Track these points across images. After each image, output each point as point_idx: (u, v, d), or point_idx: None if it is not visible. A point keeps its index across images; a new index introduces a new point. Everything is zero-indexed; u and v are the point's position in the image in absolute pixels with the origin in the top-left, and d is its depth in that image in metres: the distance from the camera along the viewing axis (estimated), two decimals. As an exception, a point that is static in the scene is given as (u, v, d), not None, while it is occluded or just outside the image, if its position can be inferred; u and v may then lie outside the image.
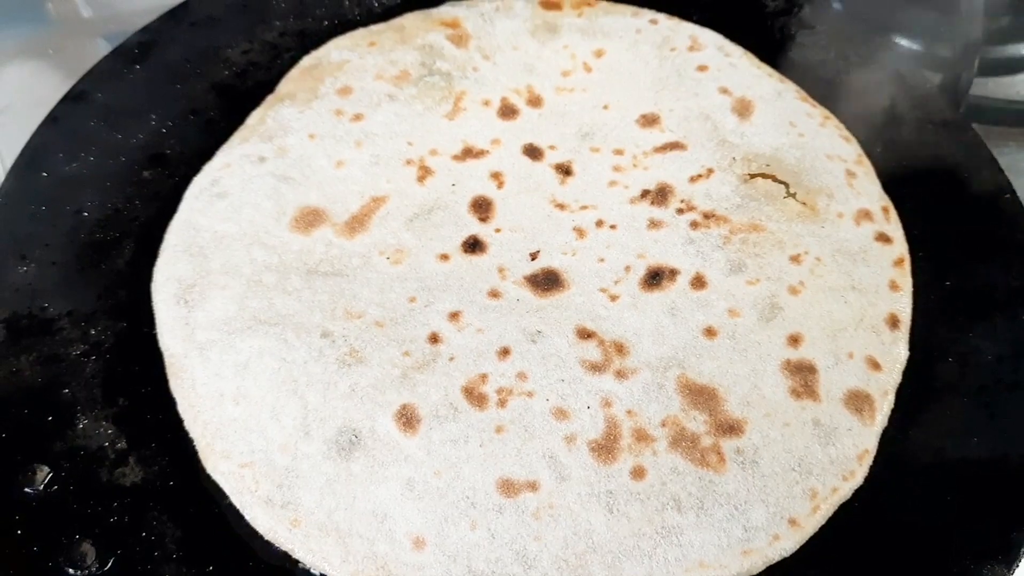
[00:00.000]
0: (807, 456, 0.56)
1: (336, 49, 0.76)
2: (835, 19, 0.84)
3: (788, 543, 0.53)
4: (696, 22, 0.80)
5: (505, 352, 0.59)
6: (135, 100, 0.72)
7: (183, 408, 0.57)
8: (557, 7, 0.80)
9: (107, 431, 0.56)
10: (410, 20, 0.79)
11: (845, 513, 0.55)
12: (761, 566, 0.52)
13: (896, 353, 0.61)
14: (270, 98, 0.72)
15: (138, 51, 0.75)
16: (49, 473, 0.54)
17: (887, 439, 0.58)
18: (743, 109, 0.73)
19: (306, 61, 0.75)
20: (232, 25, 0.78)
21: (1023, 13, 0.95)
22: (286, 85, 0.73)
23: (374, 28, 0.78)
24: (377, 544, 0.52)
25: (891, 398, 0.59)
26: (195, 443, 0.56)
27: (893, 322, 0.62)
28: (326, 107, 0.71)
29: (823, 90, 0.77)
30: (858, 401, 0.58)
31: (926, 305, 0.64)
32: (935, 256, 0.67)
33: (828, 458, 0.56)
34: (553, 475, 0.54)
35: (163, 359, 0.59)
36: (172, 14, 0.78)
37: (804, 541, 0.53)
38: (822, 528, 0.55)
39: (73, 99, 0.71)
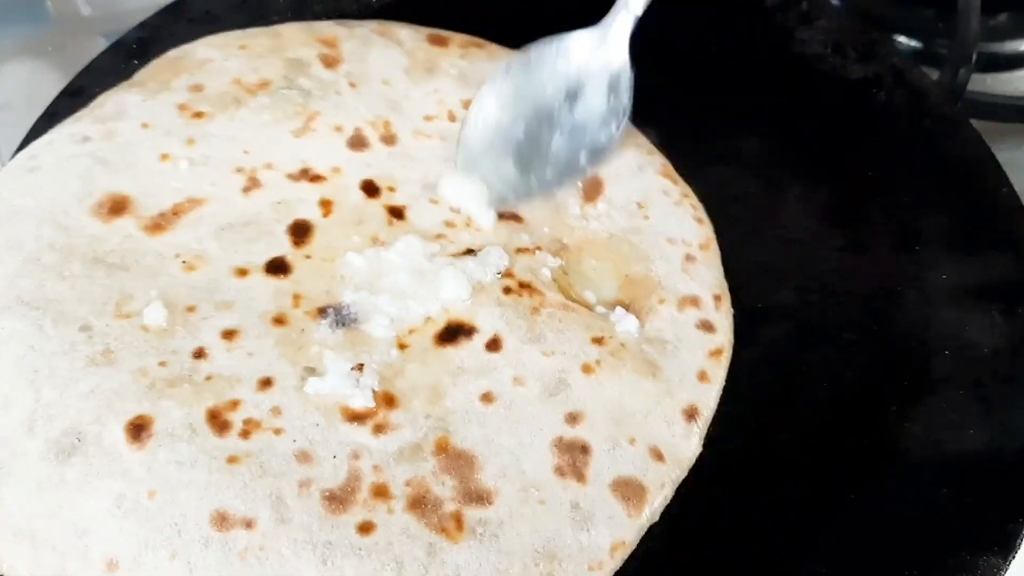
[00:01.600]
0: (556, 539, 0.53)
1: (205, 46, 0.73)
2: (834, 15, 0.84)
3: None
4: (695, 19, 0.80)
5: (267, 383, 0.56)
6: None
7: None
8: (443, 44, 0.77)
9: None
10: (289, 30, 0.76)
11: (840, 505, 0.55)
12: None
13: (685, 447, 0.58)
14: (123, 84, 0.70)
15: (136, 47, 0.76)
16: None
17: (883, 432, 0.58)
18: (593, 190, 0.70)
19: (172, 53, 0.73)
20: (230, 21, 0.78)
21: (1021, 9, 0.95)
22: (142, 73, 0.71)
23: (251, 31, 0.75)
24: (69, 560, 0.49)
25: (668, 492, 0.56)
26: None
27: (691, 414, 0.59)
28: (171, 100, 0.69)
29: (821, 86, 0.77)
30: (628, 490, 0.55)
31: (922, 299, 0.64)
32: (932, 250, 0.67)
33: (579, 544, 0.53)
34: (274, 516, 0.51)
35: None
36: (170, 10, 0.79)
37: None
38: (817, 522, 0.55)
39: (71, 94, 0.72)
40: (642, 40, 0.69)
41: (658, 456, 0.57)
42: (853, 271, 0.67)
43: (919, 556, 0.53)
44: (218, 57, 0.72)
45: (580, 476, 0.55)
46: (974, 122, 0.76)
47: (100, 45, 0.90)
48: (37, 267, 0.59)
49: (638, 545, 0.54)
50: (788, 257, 0.68)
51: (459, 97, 0.73)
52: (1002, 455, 0.57)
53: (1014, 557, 0.53)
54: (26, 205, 0.61)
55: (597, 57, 0.69)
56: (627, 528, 0.54)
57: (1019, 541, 0.53)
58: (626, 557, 0.54)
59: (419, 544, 0.51)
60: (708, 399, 0.60)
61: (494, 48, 0.78)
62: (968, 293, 0.65)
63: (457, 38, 0.78)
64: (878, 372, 0.61)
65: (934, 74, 0.83)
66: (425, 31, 0.79)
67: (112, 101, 0.69)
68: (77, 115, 0.68)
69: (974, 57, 0.84)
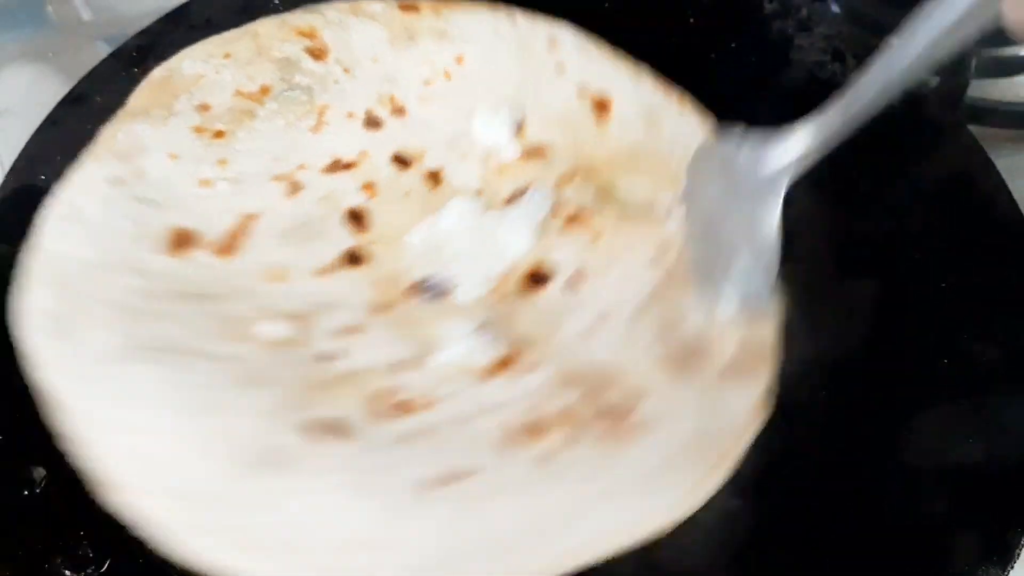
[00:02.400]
0: (704, 416, 0.57)
1: (189, 60, 0.73)
2: (833, 22, 0.84)
3: (714, 481, 0.55)
4: (693, 24, 0.81)
5: (402, 365, 0.58)
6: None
7: (77, 444, 0.54)
8: (415, 10, 0.79)
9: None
10: (264, 27, 0.76)
11: (838, 515, 0.55)
12: (689, 511, 0.54)
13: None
14: (121, 113, 0.69)
15: (136, 54, 0.76)
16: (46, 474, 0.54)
17: (880, 442, 0.58)
18: (601, 109, 0.73)
19: (156, 73, 0.72)
20: (231, 28, 0.78)
21: (1020, 15, 0.95)
22: (137, 99, 0.70)
23: (227, 36, 0.75)
24: (321, 555, 0.51)
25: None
26: (97, 478, 0.53)
27: None
28: (184, 124, 0.69)
29: (821, 93, 0.77)
30: (735, 368, 0.60)
31: (920, 307, 0.64)
32: (930, 258, 0.67)
33: (721, 419, 0.57)
34: (483, 462, 0.54)
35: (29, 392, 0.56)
36: (171, 17, 0.79)
37: (723, 481, 0.55)
38: (814, 530, 0.55)
39: (71, 102, 0.72)
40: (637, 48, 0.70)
41: None
42: (849, 278, 0.67)
43: (917, 566, 0.53)
44: (207, 71, 0.72)
45: (693, 368, 0.60)
46: (972, 128, 0.76)
47: (101, 50, 0.90)
48: (134, 313, 0.59)
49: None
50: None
51: (449, 55, 0.76)
52: (1002, 464, 0.57)
53: (1013, 567, 0.53)
54: (88, 257, 0.61)
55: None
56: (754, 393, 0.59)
57: (1018, 551, 0.53)
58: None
59: (599, 455, 0.55)
60: None
61: (466, 2, 0.80)
62: (966, 301, 0.65)
63: (424, 2, 0.80)
64: (875, 380, 0.61)
65: (932, 80, 0.83)
66: (393, 1, 0.80)
67: (123, 133, 0.68)
68: (95, 153, 0.66)
69: (973, 63, 0.84)
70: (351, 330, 0.60)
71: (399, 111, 0.73)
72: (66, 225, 0.63)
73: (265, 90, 0.72)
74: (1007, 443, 0.58)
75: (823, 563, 0.54)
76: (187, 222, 0.64)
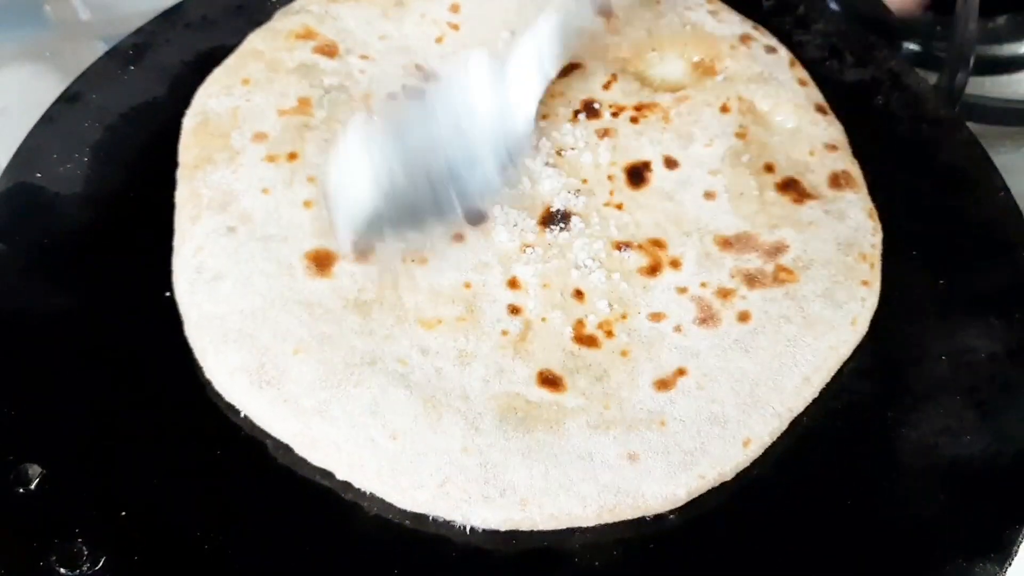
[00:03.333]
0: (839, 235, 0.66)
1: (212, 98, 0.72)
2: (831, 19, 0.84)
3: (871, 300, 0.64)
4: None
5: (579, 293, 0.63)
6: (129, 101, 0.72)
7: (341, 473, 0.56)
8: None
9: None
10: (260, 43, 0.75)
11: (836, 512, 0.55)
12: (864, 329, 0.62)
13: (834, 130, 0.73)
14: (183, 171, 0.68)
15: (132, 52, 0.76)
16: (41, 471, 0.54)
17: (878, 439, 0.58)
18: (603, 6, 0.77)
19: (189, 122, 0.71)
20: (228, 26, 0.78)
21: (1019, 11, 0.95)
22: (190, 152, 0.69)
23: (230, 65, 0.74)
24: (602, 473, 0.55)
25: (855, 163, 0.71)
26: (375, 496, 0.55)
27: (820, 109, 0.74)
28: (256, 158, 0.68)
29: (820, 89, 0.77)
30: (838, 179, 0.69)
31: (918, 304, 0.64)
32: (928, 255, 0.67)
33: (852, 227, 0.66)
34: (685, 357, 0.60)
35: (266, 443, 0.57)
36: (166, 16, 0.78)
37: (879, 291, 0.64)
38: (813, 530, 0.55)
39: (67, 100, 0.72)
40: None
41: (832, 148, 0.72)
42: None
43: (915, 563, 0.53)
44: (239, 102, 0.71)
45: (809, 195, 0.68)
46: (971, 125, 0.76)
47: (99, 49, 0.90)
48: (319, 341, 0.59)
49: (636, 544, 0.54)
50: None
51: (441, 7, 0.79)
52: (999, 461, 0.57)
53: (1011, 564, 0.53)
54: (246, 307, 0.61)
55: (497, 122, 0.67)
56: (863, 202, 0.69)
57: (1016, 548, 0.53)
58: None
59: (781, 299, 0.63)
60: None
61: None
62: (965, 298, 0.65)
63: None
64: (873, 378, 0.61)
65: (931, 77, 0.83)
66: None
67: (202, 185, 0.66)
68: (186, 214, 0.65)
69: (972, 60, 0.84)
70: (517, 280, 0.63)
71: (428, 76, 0.75)
72: (204, 287, 0.62)
73: (305, 102, 0.72)
74: (1003, 440, 0.58)
75: (819, 559, 0.54)
76: (314, 244, 0.64)
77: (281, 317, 0.60)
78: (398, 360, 0.59)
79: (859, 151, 0.73)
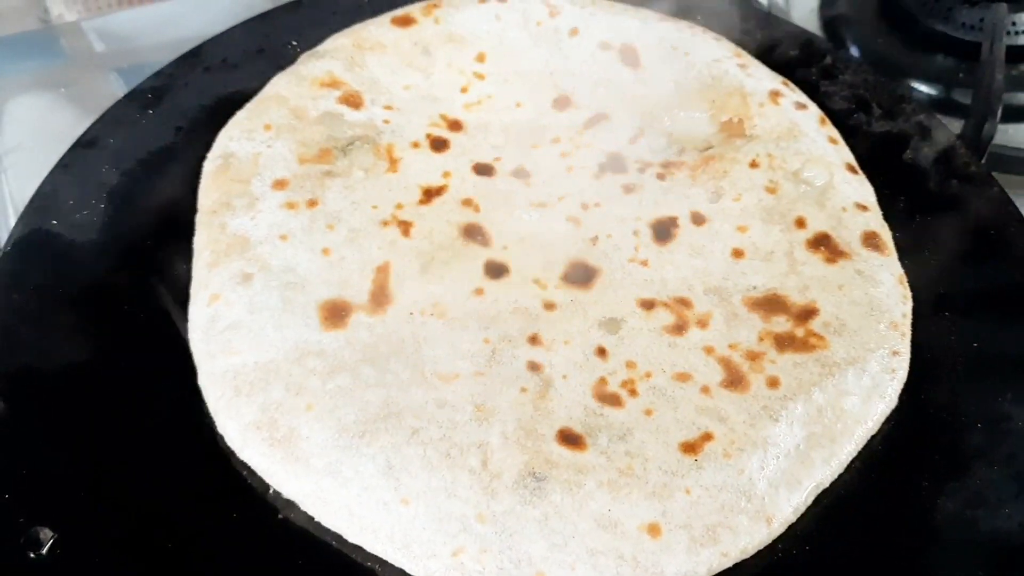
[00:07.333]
0: (871, 300, 0.65)
1: (234, 142, 0.71)
2: (857, 69, 0.83)
3: (901, 372, 0.62)
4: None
5: (601, 351, 0.61)
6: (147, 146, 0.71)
7: (352, 536, 0.54)
8: (411, 22, 0.81)
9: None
10: (284, 88, 0.75)
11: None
12: (895, 402, 0.61)
13: (865, 190, 0.72)
14: (202, 216, 0.67)
15: (151, 96, 0.75)
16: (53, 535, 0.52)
17: (915, 509, 0.57)
18: (630, 57, 0.78)
19: (209, 166, 0.70)
20: (248, 69, 0.78)
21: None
22: (210, 196, 0.68)
23: (252, 108, 0.73)
24: (622, 545, 0.53)
25: (885, 225, 0.70)
26: (389, 563, 0.53)
27: (851, 168, 0.73)
28: (275, 204, 0.67)
29: (847, 141, 0.76)
30: (871, 240, 0.68)
31: (954, 369, 0.63)
32: (962, 318, 0.66)
33: (884, 293, 0.65)
34: (713, 420, 0.58)
35: (276, 504, 0.56)
36: (186, 58, 0.78)
37: (909, 360, 0.62)
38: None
39: (85, 145, 0.71)
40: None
41: (862, 208, 0.71)
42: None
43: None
44: (261, 148, 0.71)
45: (842, 253, 0.68)
46: (997, 175, 0.75)
47: (113, 81, 0.90)
48: (333, 396, 0.58)
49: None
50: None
51: (469, 57, 0.80)
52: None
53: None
54: (268, 357, 0.60)
55: None
56: (893, 264, 0.68)
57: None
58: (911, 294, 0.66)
59: (811, 365, 0.61)
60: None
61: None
62: (1000, 362, 0.63)
63: (415, 9, 0.82)
64: (909, 446, 0.60)
65: (953, 123, 0.82)
66: (385, 19, 0.81)
67: (220, 233, 0.66)
68: (203, 260, 0.65)
69: (1000, 111, 0.83)
70: (538, 336, 0.62)
71: (456, 126, 0.75)
72: (219, 337, 0.61)
73: (325, 152, 0.71)
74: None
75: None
76: (329, 293, 0.63)
77: (294, 370, 0.59)
78: (413, 414, 0.57)
79: (889, 209, 0.71)
